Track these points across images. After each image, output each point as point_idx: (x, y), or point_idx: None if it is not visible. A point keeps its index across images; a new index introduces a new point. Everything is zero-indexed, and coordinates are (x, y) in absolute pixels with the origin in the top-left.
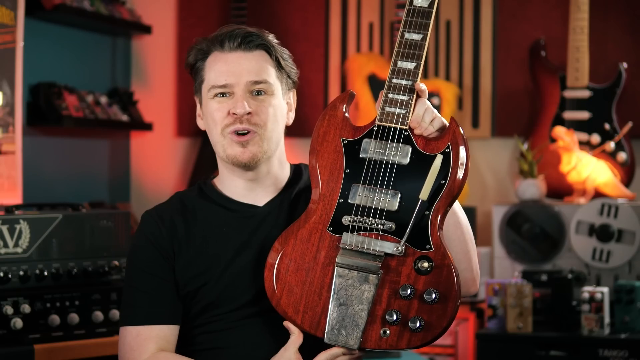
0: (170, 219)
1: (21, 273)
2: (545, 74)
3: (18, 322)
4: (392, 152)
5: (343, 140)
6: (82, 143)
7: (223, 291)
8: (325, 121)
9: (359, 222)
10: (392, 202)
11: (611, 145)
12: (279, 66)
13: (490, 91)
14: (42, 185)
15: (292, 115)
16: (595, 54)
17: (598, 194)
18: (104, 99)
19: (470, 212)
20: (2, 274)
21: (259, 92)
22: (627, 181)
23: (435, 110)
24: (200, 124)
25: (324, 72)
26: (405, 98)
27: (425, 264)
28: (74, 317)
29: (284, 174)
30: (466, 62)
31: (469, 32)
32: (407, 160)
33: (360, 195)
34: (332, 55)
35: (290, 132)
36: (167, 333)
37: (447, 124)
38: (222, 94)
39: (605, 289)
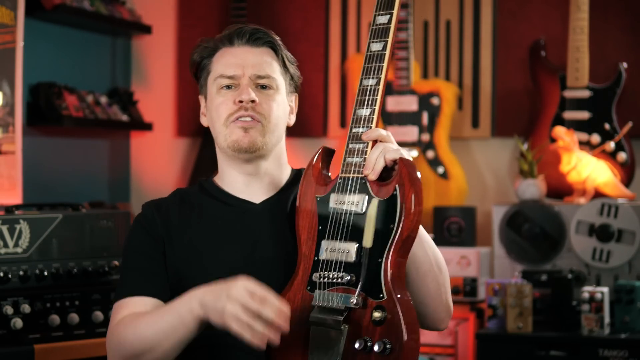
0: (166, 208)
1: (21, 273)
2: (545, 74)
3: (18, 322)
4: (350, 203)
5: (317, 197)
6: (82, 143)
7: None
8: (305, 181)
9: (324, 277)
10: (350, 253)
11: (611, 145)
12: (284, 65)
13: (490, 91)
14: (42, 185)
15: (294, 117)
16: (595, 54)
17: (598, 194)
18: (104, 99)
19: (470, 212)
20: (2, 274)
21: (264, 87)
22: (627, 181)
23: (392, 147)
24: (204, 120)
25: (324, 72)
26: (362, 146)
27: (377, 314)
28: (74, 317)
29: (283, 175)
30: (466, 62)
31: (469, 32)
32: (363, 209)
33: (325, 251)
34: (332, 55)
35: (291, 132)
36: (148, 304)
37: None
38: (228, 87)
39: (605, 289)
